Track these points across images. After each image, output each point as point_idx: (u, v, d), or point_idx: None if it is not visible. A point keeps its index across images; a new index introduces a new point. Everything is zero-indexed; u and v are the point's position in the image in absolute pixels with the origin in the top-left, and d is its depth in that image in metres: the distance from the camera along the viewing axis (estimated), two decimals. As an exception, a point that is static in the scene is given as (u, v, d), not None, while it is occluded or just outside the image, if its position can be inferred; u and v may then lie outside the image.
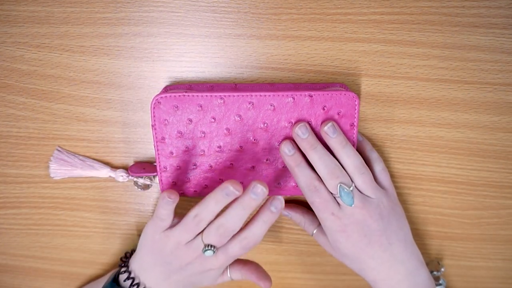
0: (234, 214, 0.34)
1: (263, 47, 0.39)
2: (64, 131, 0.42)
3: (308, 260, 0.46)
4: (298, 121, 0.36)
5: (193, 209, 0.36)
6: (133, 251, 0.43)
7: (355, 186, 0.36)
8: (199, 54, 0.40)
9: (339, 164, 0.36)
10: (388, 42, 0.39)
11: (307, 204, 0.44)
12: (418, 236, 0.45)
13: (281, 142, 0.37)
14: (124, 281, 0.39)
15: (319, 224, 0.41)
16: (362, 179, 0.36)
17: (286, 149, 0.36)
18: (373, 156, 0.39)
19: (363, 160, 0.37)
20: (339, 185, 0.35)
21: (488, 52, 0.39)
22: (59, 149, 0.42)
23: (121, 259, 0.42)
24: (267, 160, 0.39)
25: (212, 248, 0.35)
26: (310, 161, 0.36)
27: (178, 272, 0.38)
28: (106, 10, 0.38)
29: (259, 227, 0.35)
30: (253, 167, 0.39)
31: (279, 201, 0.35)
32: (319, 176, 0.36)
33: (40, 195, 0.44)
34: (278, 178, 0.39)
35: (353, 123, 0.37)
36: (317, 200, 0.36)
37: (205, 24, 0.39)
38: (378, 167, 0.39)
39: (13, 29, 0.39)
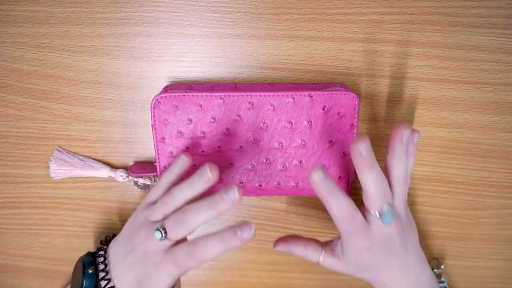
0: (197, 206, 0.33)
1: (263, 47, 0.39)
2: (64, 131, 0.42)
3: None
4: (361, 137, 0.32)
5: (173, 187, 0.35)
6: (114, 236, 0.41)
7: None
8: (199, 54, 0.40)
9: (387, 182, 0.34)
10: (388, 42, 0.39)
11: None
12: (419, 236, 0.45)
13: (310, 170, 0.32)
14: (98, 257, 0.38)
15: (323, 249, 0.39)
16: (402, 189, 0.35)
17: (317, 177, 0.32)
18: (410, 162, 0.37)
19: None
20: (385, 205, 0.33)
21: (488, 52, 0.39)
22: (59, 149, 0.42)
23: (100, 241, 0.41)
24: (267, 160, 0.38)
25: (162, 231, 0.33)
26: (361, 179, 0.33)
27: (131, 252, 0.35)
28: (106, 10, 0.38)
29: (215, 245, 0.32)
30: (253, 167, 0.39)
31: (249, 228, 0.31)
32: (353, 202, 0.34)
33: (40, 195, 0.44)
34: (278, 179, 0.39)
35: (353, 123, 0.37)
36: (351, 228, 0.34)
37: (205, 24, 0.39)
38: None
39: (13, 29, 0.39)
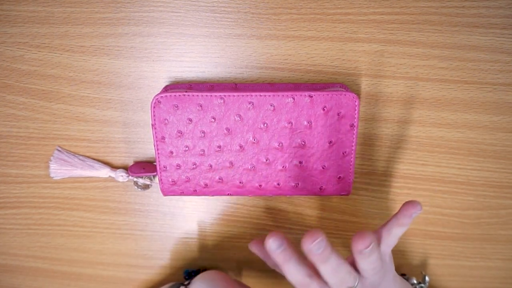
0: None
1: (263, 47, 0.39)
2: (64, 131, 0.42)
3: (308, 260, 0.46)
4: (313, 233, 0.29)
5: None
6: (193, 272, 0.41)
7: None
8: (199, 54, 0.40)
9: (350, 267, 0.32)
10: (388, 42, 0.39)
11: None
12: (418, 236, 0.45)
13: (268, 237, 0.31)
14: None
15: None
16: (373, 271, 0.32)
17: (274, 246, 0.30)
18: (396, 231, 0.34)
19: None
20: None
21: (488, 52, 0.39)
22: (59, 149, 0.42)
23: (184, 277, 0.41)
24: (266, 160, 0.39)
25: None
26: (320, 272, 0.31)
27: None
28: (106, 10, 0.38)
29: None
30: (252, 167, 0.39)
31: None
32: (310, 270, 0.32)
33: (40, 195, 0.44)
34: (278, 179, 0.39)
35: (353, 124, 0.37)
36: None
37: (205, 24, 0.39)
38: (390, 242, 0.35)
39: (13, 29, 0.39)
